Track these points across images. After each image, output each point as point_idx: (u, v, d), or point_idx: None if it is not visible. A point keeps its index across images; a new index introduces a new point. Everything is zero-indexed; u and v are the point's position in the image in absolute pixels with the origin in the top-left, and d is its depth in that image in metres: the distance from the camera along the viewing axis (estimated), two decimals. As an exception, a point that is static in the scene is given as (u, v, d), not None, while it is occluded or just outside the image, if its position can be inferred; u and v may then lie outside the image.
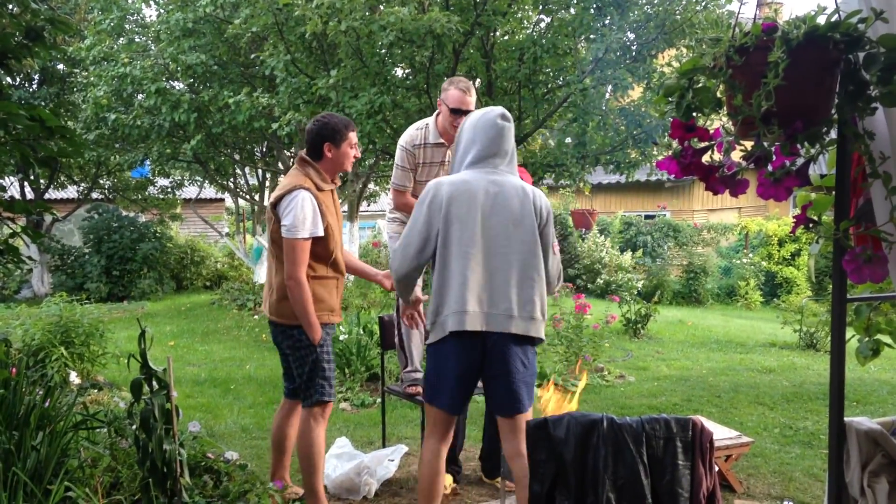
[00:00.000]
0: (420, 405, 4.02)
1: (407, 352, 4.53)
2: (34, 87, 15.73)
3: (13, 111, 2.80)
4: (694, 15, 7.27)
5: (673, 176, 1.74)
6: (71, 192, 18.76)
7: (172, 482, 3.03)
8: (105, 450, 3.78)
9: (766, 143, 1.64)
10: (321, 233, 3.60)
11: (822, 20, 1.64)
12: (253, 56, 8.82)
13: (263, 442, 5.42)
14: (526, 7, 7.77)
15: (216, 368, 8.38)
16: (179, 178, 17.23)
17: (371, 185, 14.66)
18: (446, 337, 3.10)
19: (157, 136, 10.36)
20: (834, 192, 1.80)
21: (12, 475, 2.83)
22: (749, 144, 1.72)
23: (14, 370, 3.80)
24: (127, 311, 13.47)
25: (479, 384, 3.34)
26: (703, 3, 7.38)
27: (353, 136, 3.74)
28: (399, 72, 8.44)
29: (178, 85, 11.01)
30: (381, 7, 7.29)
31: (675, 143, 1.81)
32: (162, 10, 10.54)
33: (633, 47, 7.70)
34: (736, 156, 1.84)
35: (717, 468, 3.35)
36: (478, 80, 8.40)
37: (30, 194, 16.42)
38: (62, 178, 17.25)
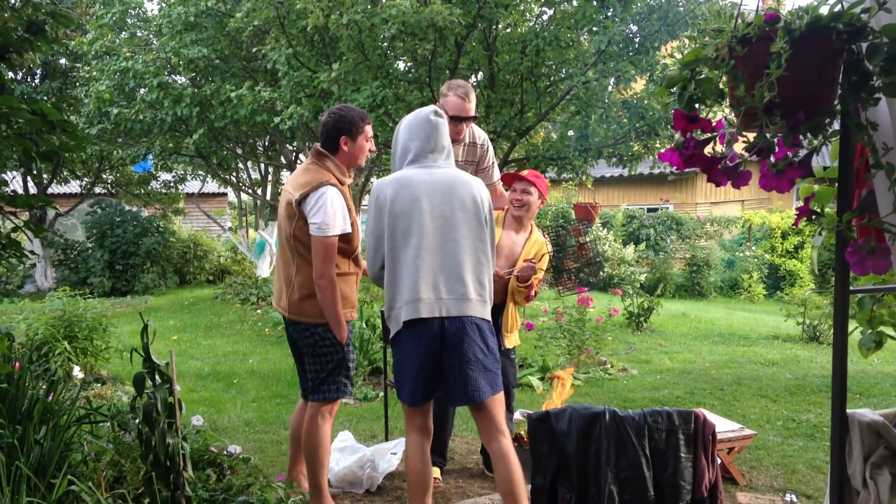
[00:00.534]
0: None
1: None
2: (36, 81, 15.74)
3: (15, 105, 2.80)
4: (697, 6, 7.24)
5: (675, 168, 1.74)
6: (74, 186, 18.78)
7: (175, 476, 3.03)
8: (108, 444, 3.80)
9: (768, 135, 1.63)
10: (350, 229, 3.56)
11: (824, 10, 1.63)
12: (255, 50, 8.81)
13: (266, 436, 5.43)
14: (528, -1, 7.77)
15: (219, 363, 8.40)
16: (182, 172, 17.24)
17: (373, 180, 14.66)
18: (403, 329, 3.12)
19: (159, 131, 10.35)
20: (837, 184, 1.79)
21: (15, 469, 2.84)
22: (751, 136, 1.71)
23: (17, 365, 3.81)
24: (130, 306, 13.49)
25: None
26: (706, -5, 7.38)
27: (368, 129, 3.67)
28: (401, 65, 8.42)
29: (180, 79, 11.00)
30: (383, 0, 7.28)
31: (677, 135, 1.80)
32: (163, 4, 10.53)
33: (636, 39, 7.67)
34: (738, 147, 1.83)
35: (719, 461, 3.35)
36: (480, 72, 8.39)
37: (32, 189, 16.44)
38: (65, 173, 17.27)
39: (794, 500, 3.45)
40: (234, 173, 15.94)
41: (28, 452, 3.07)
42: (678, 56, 8.05)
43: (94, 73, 10.75)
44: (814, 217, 1.83)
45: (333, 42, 7.86)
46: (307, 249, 3.54)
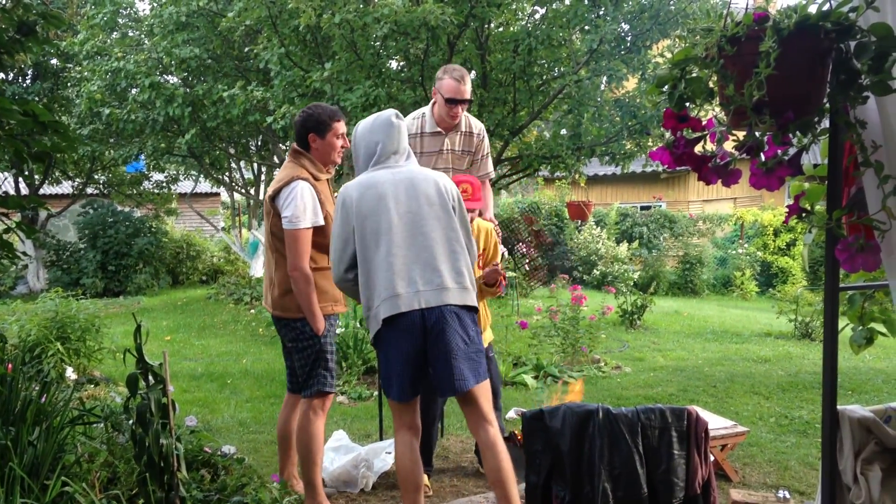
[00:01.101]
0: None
1: None
2: (28, 82, 15.67)
3: (6, 106, 2.80)
4: (688, 5, 7.26)
5: (666, 166, 1.75)
6: (66, 187, 18.72)
7: (169, 476, 3.03)
8: (102, 445, 3.79)
9: (758, 133, 1.64)
10: (322, 222, 3.62)
11: (813, 9, 1.64)
12: (247, 49, 8.79)
13: (261, 436, 5.43)
14: (521, -2, 7.77)
15: (213, 363, 8.38)
16: (174, 172, 17.20)
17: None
18: (383, 327, 3.12)
19: (151, 131, 10.32)
20: (826, 182, 1.80)
21: (9, 471, 2.83)
22: (741, 134, 1.72)
23: (10, 366, 3.80)
24: (123, 307, 13.46)
25: None
26: (698, -6, 7.39)
27: (338, 127, 3.73)
28: (393, 64, 8.41)
29: (172, 79, 10.97)
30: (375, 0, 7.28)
31: (668, 134, 1.81)
32: (155, 4, 10.49)
33: (628, 38, 7.69)
34: (728, 146, 1.84)
35: (712, 458, 3.37)
36: (472, 71, 8.39)
37: (24, 190, 16.38)
38: (57, 174, 17.22)
39: (787, 496, 3.47)
40: (226, 173, 15.91)
41: (21, 454, 3.06)
42: (669, 55, 8.06)
43: (86, 74, 10.72)
44: (804, 215, 1.85)
45: (326, 41, 7.86)
46: (283, 245, 3.61)
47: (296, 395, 3.99)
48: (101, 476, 3.43)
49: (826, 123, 1.80)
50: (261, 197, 16.46)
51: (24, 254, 3.20)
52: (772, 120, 1.60)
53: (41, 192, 17.30)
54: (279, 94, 7.69)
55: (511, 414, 5.80)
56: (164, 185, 17.39)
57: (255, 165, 16.05)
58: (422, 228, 3.18)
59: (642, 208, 19.49)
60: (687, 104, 1.74)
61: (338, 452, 4.50)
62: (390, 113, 3.39)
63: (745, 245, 16.87)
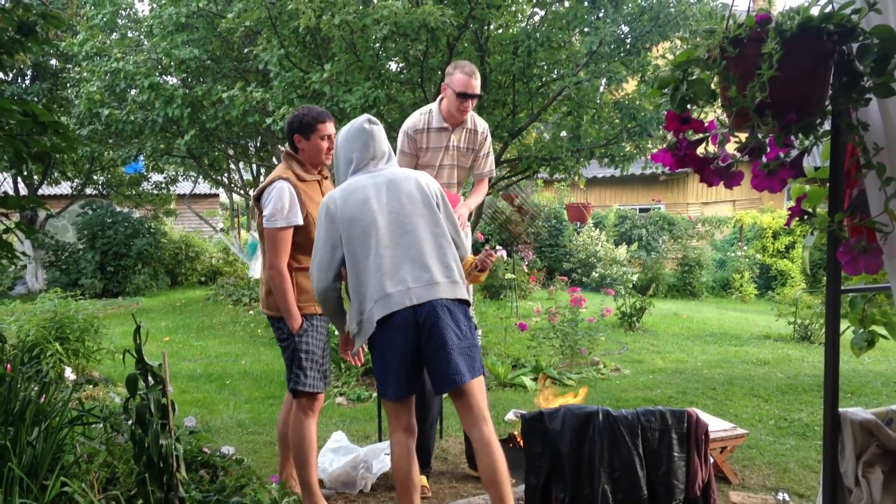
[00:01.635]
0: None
1: None
2: (27, 82, 15.66)
3: (5, 106, 2.79)
4: (688, 7, 7.26)
5: (668, 168, 1.74)
6: (65, 188, 18.70)
7: (169, 477, 3.03)
8: (101, 445, 3.78)
9: (760, 135, 1.64)
10: (300, 222, 3.66)
11: (815, 11, 1.64)
12: (246, 51, 8.78)
13: (259, 437, 5.43)
14: (520, 0, 7.74)
15: (211, 364, 8.38)
16: (173, 173, 17.18)
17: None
18: (376, 329, 3.11)
19: (150, 132, 10.31)
20: (828, 184, 1.80)
21: (8, 471, 2.82)
22: (743, 136, 1.72)
23: (9, 366, 3.79)
24: (122, 307, 13.44)
25: None
26: (698, -4, 7.39)
27: (323, 129, 3.76)
28: (393, 66, 8.41)
29: (172, 80, 10.95)
30: (375, 1, 7.26)
31: (669, 136, 1.81)
32: (154, 5, 10.47)
33: (627, 40, 7.68)
34: (730, 148, 1.84)
35: (712, 460, 3.36)
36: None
37: (23, 190, 16.36)
38: (55, 174, 17.20)
39: (787, 498, 3.47)
40: (225, 174, 15.89)
41: (20, 454, 3.05)
42: (670, 57, 8.08)
43: (85, 74, 10.70)
44: (805, 217, 1.84)
45: (325, 43, 7.84)
46: None
47: None
48: (100, 476, 3.42)
49: (828, 125, 1.80)
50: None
51: (24, 254, 3.20)
52: (774, 122, 1.60)
53: (40, 192, 17.29)
54: (278, 95, 7.67)
55: (510, 416, 5.79)
56: (163, 185, 17.37)
57: (254, 166, 16.03)
58: (407, 227, 3.19)
59: (641, 210, 19.49)
60: (689, 106, 1.73)
61: (337, 453, 4.50)
62: (362, 120, 3.41)
63: (745, 247, 16.88)
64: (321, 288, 3.33)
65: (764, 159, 1.67)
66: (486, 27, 7.75)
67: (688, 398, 6.51)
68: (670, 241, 17.41)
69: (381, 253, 3.14)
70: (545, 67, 8.26)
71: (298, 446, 3.70)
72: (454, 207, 4.09)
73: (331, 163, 3.89)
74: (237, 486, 3.69)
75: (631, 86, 8.54)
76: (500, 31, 8.20)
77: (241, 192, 16.18)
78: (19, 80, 15.60)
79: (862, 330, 2.50)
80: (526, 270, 13.99)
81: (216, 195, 24.35)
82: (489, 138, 4.61)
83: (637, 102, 8.03)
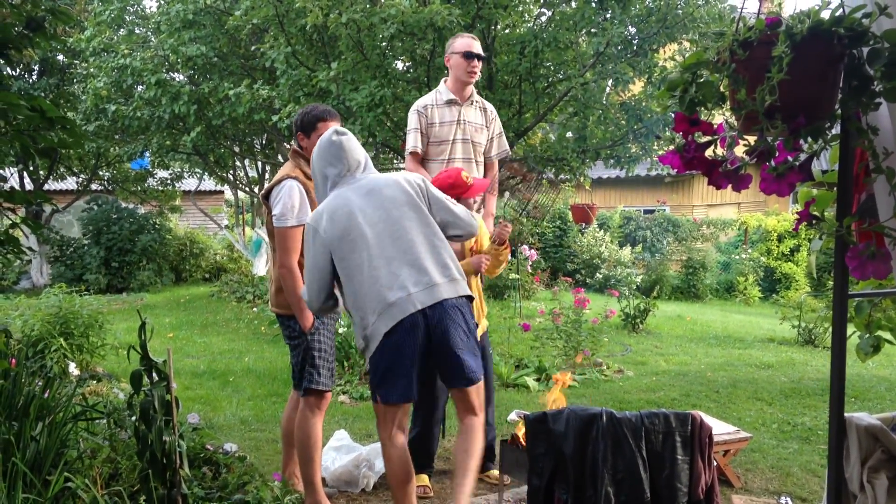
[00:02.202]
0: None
1: None
2: (34, 77, 15.70)
3: (13, 102, 2.79)
4: (695, 9, 7.25)
5: (676, 170, 1.74)
6: (70, 183, 18.73)
7: (172, 473, 3.03)
8: (104, 441, 3.79)
9: (769, 138, 1.63)
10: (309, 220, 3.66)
11: (825, 14, 1.64)
12: (253, 48, 8.80)
13: (262, 434, 5.43)
14: (527, 0, 7.75)
15: (215, 360, 8.38)
16: (179, 169, 17.21)
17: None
18: (384, 337, 3.07)
19: (156, 128, 10.35)
20: (836, 188, 1.79)
21: (12, 466, 2.83)
22: (752, 139, 1.72)
23: (13, 361, 3.80)
24: (126, 303, 13.47)
25: None
26: (706, -1, 7.39)
27: (324, 127, 3.70)
28: (399, 65, 8.42)
29: (178, 76, 10.98)
30: (382, 0, 7.28)
31: (678, 137, 1.80)
32: (162, 2, 10.51)
33: (634, 42, 7.68)
34: (738, 150, 1.83)
35: (715, 463, 3.35)
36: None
37: (29, 185, 16.40)
38: (61, 170, 17.24)
39: (790, 502, 3.46)
40: (231, 171, 15.92)
41: (24, 449, 3.06)
42: (679, 59, 8.07)
43: (92, 70, 10.73)
44: (814, 222, 1.84)
45: (332, 41, 7.86)
46: None
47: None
48: (102, 472, 3.43)
49: (837, 129, 1.79)
50: (264, 195, 16.49)
51: (30, 249, 3.20)
52: (783, 125, 1.59)
53: (45, 187, 17.33)
54: (285, 92, 7.70)
55: (512, 416, 5.75)
56: (169, 182, 17.39)
57: (260, 164, 16.06)
58: (396, 233, 3.15)
59: (646, 212, 19.46)
60: (698, 108, 1.73)
61: (339, 452, 4.49)
62: (329, 133, 3.36)
63: (749, 250, 16.84)
64: (315, 308, 3.35)
65: (772, 163, 1.67)
66: (493, 27, 7.75)
67: (691, 401, 6.50)
68: (674, 243, 17.38)
69: (375, 264, 3.10)
70: (552, 68, 8.26)
71: (304, 444, 3.69)
72: (483, 191, 4.07)
73: None
74: (240, 483, 3.69)
75: (637, 87, 8.54)
76: (506, 31, 8.20)
77: (247, 189, 16.21)
78: (26, 76, 15.64)
79: (868, 335, 2.49)
80: (530, 270, 13.99)
81: (221, 192, 24.37)
82: (498, 120, 4.65)
83: (643, 104, 8.02)
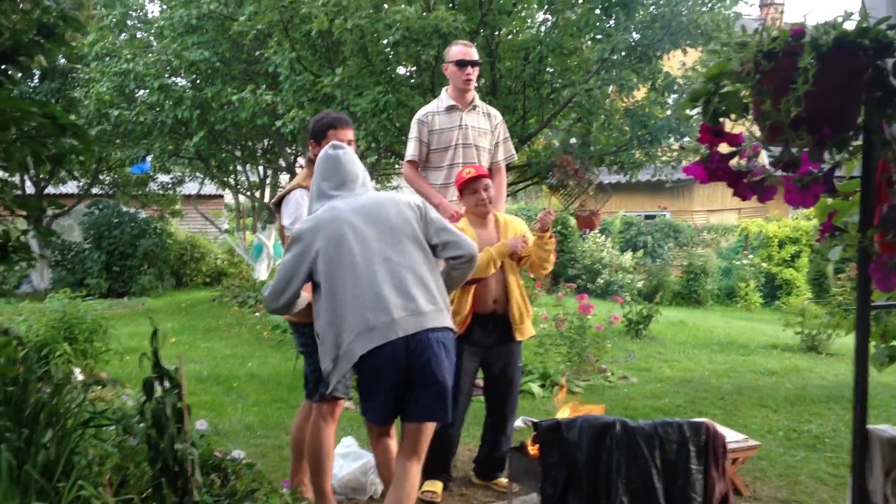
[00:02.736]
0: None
1: None
2: (35, 82, 15.70)
3: (25, 108, 2.79)
4: (700, 16, 7.25)
5: (699, 181, 1.73)
6: (71, 187, 18.73)
7: (183, 481, 3.02)
8: (113, 448, 3.77)
9: (794, 149, 1.63)
10: None
11: (849, 26, 1.63)
12: (258, 53, 8.81)
13: (268, 440, 5.41)
14: (531, 6, 7.76)
15: (218, 366, 8.36)
16: (180, 174, 17.21)
17: (374, 184, 14.62)
18: (366, 358, 2.99)
19: (159, 133, 10.35)
20: (855, 198, 1.79)
21: (24, 474, 2.82)
22: (773, 150, 1.71)
23: (20, 367, 3.78)
24: (127, 308, 13.45)
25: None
26: (710, 5, 7.38)
27: (333, 135, 3.67)
28: (403, 70, 8.42)
29: (181, 81, 10.99)
30: (386, 6, 7.28)
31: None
32: (165, 7, 10.51)
33: (638, 48, 7.68)
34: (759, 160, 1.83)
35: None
36: (482, 79, 8.39)
37: (30, 189, 16.39)
38: (62, 174, 17.23)
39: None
40: (232, 175, 15.93)
41: (35, 456, 3.05)
42: (688, 63, 8.06)
43: (95, 75, 10.73)
44: (837, 233, 1.83)
45: (336, 46, 7.87)
46: None
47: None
48: (112, 479, 3.41)
49: (860, 140, 1.79)
50: (266, 199, 16.52)
51: (41, 255, 3.19)
52: (809, 136, 1.59)
53: (46, 191, 17.33)
54: (288, 98, 7.70)
55: (518, 423, 5.76)
56: (170, 186, 17.40)
57: (262, 168, 16.06)
58: (386, 254, 3.05)
59: (647, 217, 19.46)
60: (721, 119, 1.73)
61: (346, 459, 4.47)
62: (327, 147, 3.32)
63: (750, 256, 16.85)
64: (269, 307, 3.27)
65: (796, 174, 1.66)
66: (497, 33, 7.76)
67: (696, 408, 6.48)
68: (675, 249, 17.39)
69: (360, 284, 3.00)
70: (555, 74, 8.27)
71: (316, 453, 3.67)
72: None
73: None
74: (248, 491, 3.68)
75: (641, 93, 8.54)
76: (510, 37, 8.21)
77: (248, 193, 16.21)
78: (27, 80, 15.64)
79: (884, 345, 2.48)
80: (532, 276, 13.98)
81: (221, 196, 24.37)
82: (504, 125, 4.67)
83: (647, 110, 8.03)
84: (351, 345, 2.98)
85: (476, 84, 4.57)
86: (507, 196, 11.56)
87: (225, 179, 15.62)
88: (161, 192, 17.86)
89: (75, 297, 7.12)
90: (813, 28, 1.61)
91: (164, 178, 17.39)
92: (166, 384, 3.14)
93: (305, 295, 3.31)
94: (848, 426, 6.03)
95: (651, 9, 7.56)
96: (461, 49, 4.43)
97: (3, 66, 2.91)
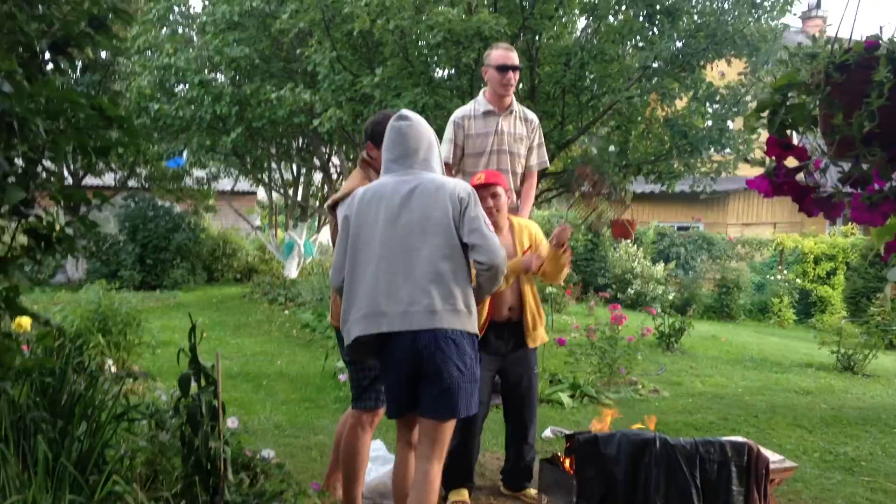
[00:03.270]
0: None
1: None
2: (77, 74, 15.92)
3: (74, 100, 2.80)
4: (746, 26, 7.13)
5: (764, 195, 1.67)
6: (107, 178, 18.95)
7: (216, 479, 3.01)
8: (145, 442, 3.77)
9: (865, 166, 1.56)
10: None
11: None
12: (298, 51, 8.84)
13: (296, 440, 5.40)
14: (573, 11, 7.70)
15: (248, 363, 8.39)
16: (215, 169, 17.35)
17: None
18: (379, 347, 3.03)
19: (197, 128, 10.43)
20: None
21: (59, 465, 2.82)
22: (839, 165, 1.65)
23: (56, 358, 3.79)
24: (160, 300, 13.58)
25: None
26: (757, 15, 7.25)
27: None
28: (442, 72, 8.40)
29: (221, 77, 11.07)
30: (427, 6, 7.25)
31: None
32: (208, 2, 10.60)
33: (681, 56, 7.58)
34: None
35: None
36: (521, 84, 8.35)
37: (67, 180, 16.61)
38: (100, 166, 17.44)
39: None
40: (266, 172, 16.03)
41: (69, 448, 3.05)
42: (720, 75, 7.96)
43: (136, 68, 10.85)
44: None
45: (376, 47, 7.87)
46: None
47: None
48: (142, 474, 3.41)
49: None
50: (299, 198, 16.60)
51: (82, 247, 3.21)
52: (883, 153, 1.52)
53: (83, 183, 17.56)
54: (327, 96, 7.71)
55: (547, 433, 5.70)
56: (205, 181, 17.54)
57: (296, 167, 16.13)
58: (413, 244, 3.00)
59: (680, 228, 19.24)
60: (788, 131, 1.66)
61: (375, 463, 4.44)
62: (395, 115, 3.25)
63: (784, 271, 16.57)
64: (336, 287, 3.25)
65: (865, 191, 1.59)
66: (538, 37, 7.70)
67: (730, 425, 6.36)
68: (708, 261, 17.16)
69: (381, 266, 2.98)
70: (596, 80, 8.19)
71: (351, 459, 3.65)
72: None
73: None
74: (277, 491, 3.66)
75: (681, 102, 8.43)
76: (550, 41, 8.14)
77: (281, 190, 16.30)
78: (70, 72, 15.87)
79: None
80: (562, 283, 13.89)
81: (254, 193, 24.53)
82: (540, 130, 4.60)
83: (688, 119, 7.92)
84: (353, 322, 3.02)
85: (514, 89, 4.51)
86: (542, 202, 11.50)
87: (259, 176, 15.72)
88: (196, 186, 18.00)
89: (110, 289, 7.18)
90: (888, 41, 1.55)
91: (199, 173, 17.54)
92: (202, 381, 3.13)
93: None
94: (885, 450, 5.89)
95: (696, 17, 7.45)
96: (502, 53, 4.33)
97: (54, 57, 2.92)
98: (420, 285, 2.95)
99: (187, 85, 9.94)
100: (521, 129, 4.51)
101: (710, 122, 7.84)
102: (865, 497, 4.71)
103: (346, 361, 3.81)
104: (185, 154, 13.21)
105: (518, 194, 4.62)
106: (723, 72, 8.10)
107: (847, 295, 15.16)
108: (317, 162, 14.42)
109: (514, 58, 4.33)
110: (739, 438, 2.97)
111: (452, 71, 8.14)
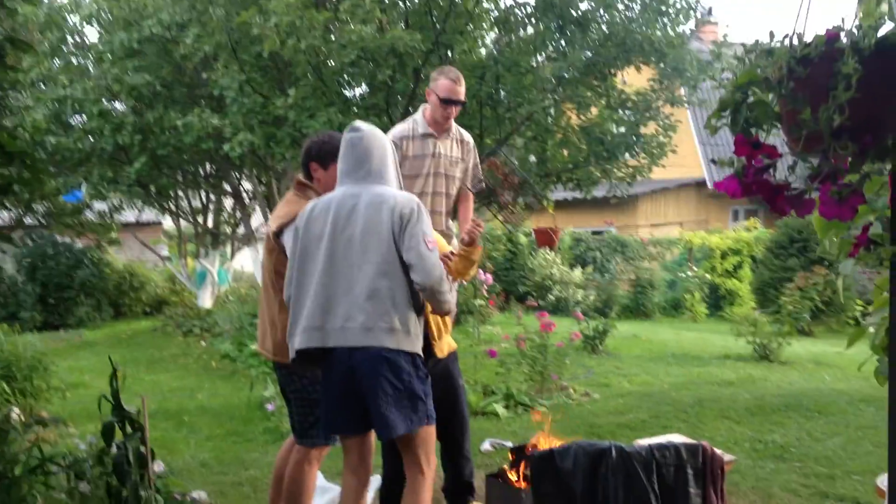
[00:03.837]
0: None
1: None
2: (-39, 108, 15.02)
3: (-30, 134, 2.57)
4: (653, 34, 7.30)
5: (733, 196, 1.63)
6: (2, 217, 17.91)
7: (151, 532, 2.80)
8: (65, 496, 3.50)
9: (833, 160, 1.54)
10: None
11: (885, 29, 1.56)
12: (204, 76, 8.56)
13: (226, 477, 5.16)
14: (483, 25, 7.73)
15: (166, 399, 8.01)
16: (118, 201, 16.62)
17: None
18: (322, 364, 3.05)
19: (98, 159, 9.97)
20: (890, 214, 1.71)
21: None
22: (808, 161, 1.62)
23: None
24: (64, 340, 12.89)
25: None
26: (663, 22, 7.45)
27: None
28: (356, 91, 8.29)
29: (120, 106, 10.64)
30: (337, 25, 7.14)
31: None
32: (104, 31, 10.15)
33: (594, 65, 7.70)
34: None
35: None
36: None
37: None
38: (-8, 204, 16.48)
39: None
40: (172, 201, 15.49)
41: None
42: (622, 82, 8.14)
43: (29, 102, 10.30)
44: (872, 247, 1.75)
45: (287, 68, 7.69)
46: None
47: None
48: (66, 533, 3.16)
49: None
50: (210, 225, 16.10)
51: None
52: (853, 146, 1.50)
53: (-26, 222, 16.55)
54: (237, 120, 7.48)
55: (486, 446, 5.63)
56: (107, 214, 16.77)
57: (204, 193, 15.65)
58: (355, 259, 2.99)
59: (593, 233, 19.63)
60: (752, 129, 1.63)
61: (315, 493, 4.27)
62: (346, 130, 3.20)
63: (694, 268, 17.12)
64: (285, 299, 3.22)
65: (834, 185, 1.57)
66: (451, 52, 7.69)
67: (661, 422, 6.43)
68: (623, 263, 17.55)
69: (322, 281, 2.99)
70: (512, 92, 8.24)
71: (299, 495, 3.49)
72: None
73: None
74: (217, 537, 3.46)
75: (595, 110, 8.57)
76: (464, 55, 8.14)
77: (189, 219, 15.79)
78: (-47, 106, 14.96)
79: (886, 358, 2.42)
80: (485, 294, 13.90)
81: (159, 223, 23.68)
82: (475, 150, 4.56)
83: (603, 126, 8.05)
84: (296, 336, 3.03)
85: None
86: (484, 188, 11.44)
87: (165, 205, 15.19)
88: (97, 220, 17.18)
89: (10, 333, 6.74)
90: (852, 32, 1.52)
91: (100, 205, 16.75)
92: (127, 428, 2.92)
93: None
94: (811, 434, 6.08)
95: (604, 27, 7.60)
96: (449, 86, 4.17)
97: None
98: (356, 302, 2.95)
99: (85, 116, 9.48)
100: (457, 152, 4.46)
101: (623, 129, 7.99)
102: (800, 483, 4.82)
103: (287, 399, 3.63)
104: (83, 187, 12.63)
105: (452, 216, 4.57)
106: (625, 79, 8.27)
107: (756, 287, 15.76)
108: (227, 188, 14.02)
109: (460, 92, 4.19)
110: (692, 440, 2.96)
111: (366, 89, 8.03)
